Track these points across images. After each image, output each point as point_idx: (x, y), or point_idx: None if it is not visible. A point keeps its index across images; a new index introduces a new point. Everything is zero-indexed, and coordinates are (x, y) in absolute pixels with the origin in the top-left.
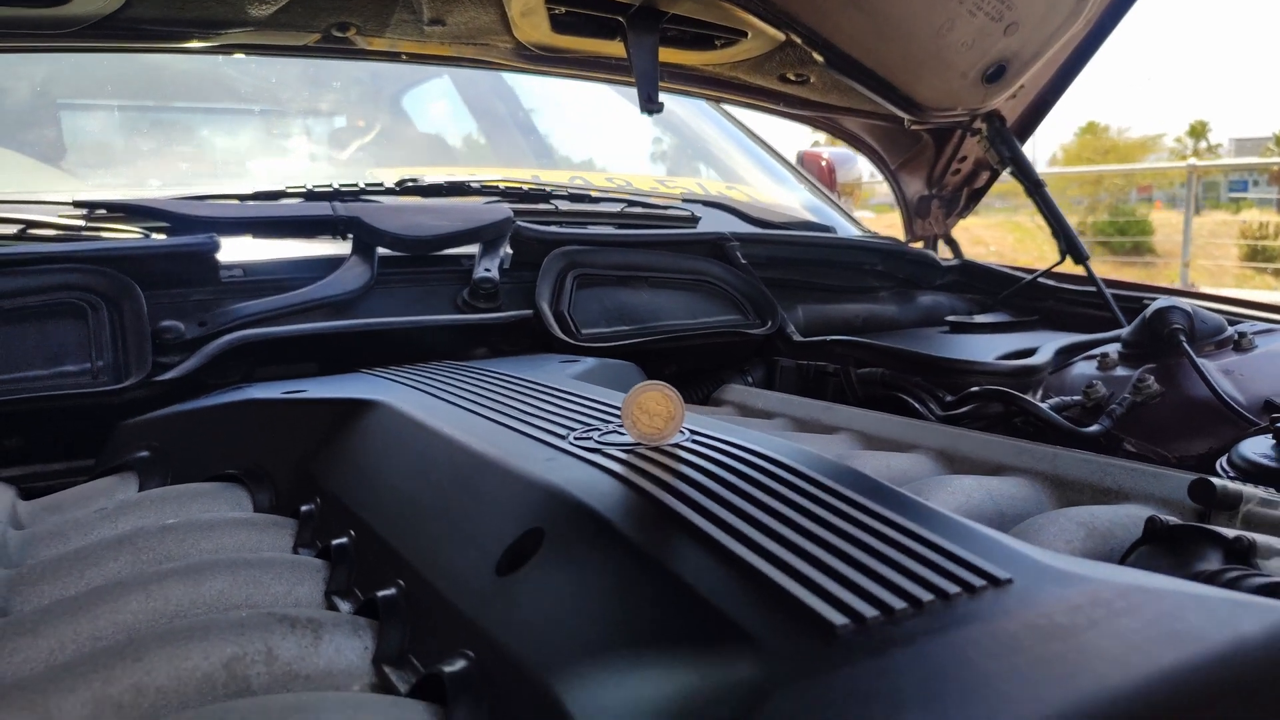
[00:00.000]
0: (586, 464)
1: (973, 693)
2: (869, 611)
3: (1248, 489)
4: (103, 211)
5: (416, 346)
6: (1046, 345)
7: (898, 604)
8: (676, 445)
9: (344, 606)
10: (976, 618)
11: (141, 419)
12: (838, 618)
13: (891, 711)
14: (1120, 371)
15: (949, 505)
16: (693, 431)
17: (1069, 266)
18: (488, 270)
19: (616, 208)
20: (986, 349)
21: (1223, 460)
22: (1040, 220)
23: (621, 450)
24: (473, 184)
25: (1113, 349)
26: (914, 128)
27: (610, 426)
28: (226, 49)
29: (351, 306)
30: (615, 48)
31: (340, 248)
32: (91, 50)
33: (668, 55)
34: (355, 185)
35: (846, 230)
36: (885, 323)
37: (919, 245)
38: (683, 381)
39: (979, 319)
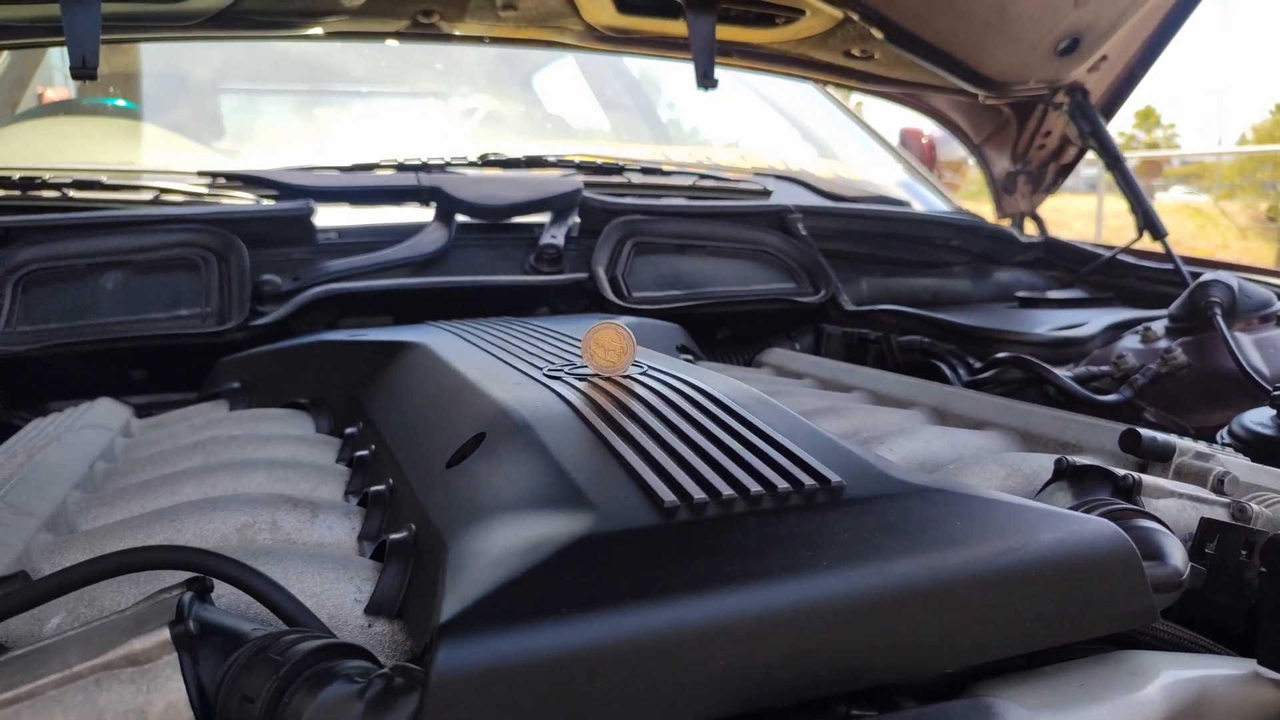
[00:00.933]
0: (539, 387)
1: (770, 559)
2: (698, 493)
3: (1183, 443)
4: (223, 180)
5: (482, 303)
6: (1097, 319)
7: (726, 490)
8: (626, 377)
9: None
10: (797, 507)
11: (236, 356)
12: (669, 495)
13: (691, 565)
14: (1161, 344)
15: (910, 450)
16: (649, 367)
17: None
18: (554, 237)
19: (689, 181)
20: (1046, 323)
21: (1223, 430)
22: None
23: (576, 379)
24: (549, 158)
25: (1160, 324)
26: (991, 103)
27: (583, 363)
28: (326, 36)
29: (430, 267)
30: (679, 27)
31: (425, 215)
32: (208, 39)
33: (732, 34)
34: (442, 159)
35: (932, 205)
36: (956, 297)
37: (1006, 222)
38: (733, 345)
39: (1051, 294)
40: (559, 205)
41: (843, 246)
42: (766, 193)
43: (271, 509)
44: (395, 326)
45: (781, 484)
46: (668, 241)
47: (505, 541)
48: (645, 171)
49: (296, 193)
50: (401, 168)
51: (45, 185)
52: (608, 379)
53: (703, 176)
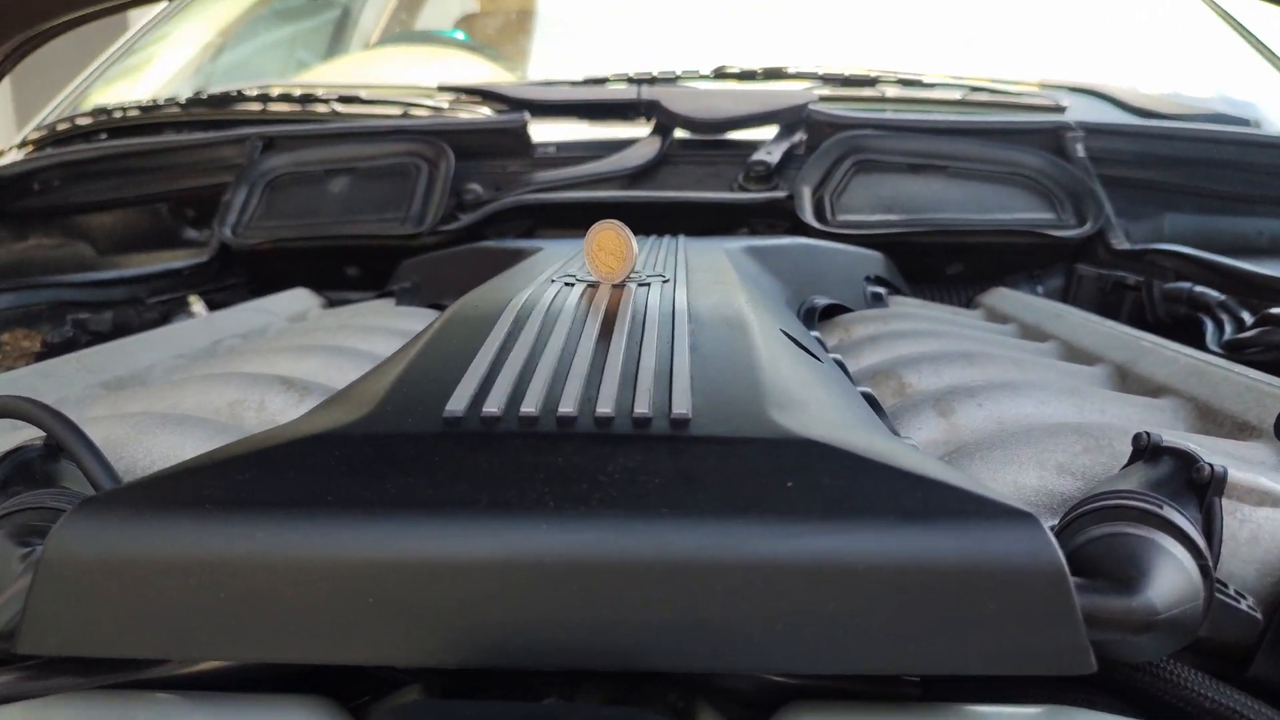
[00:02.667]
0: (528, 290)
1: (526, 489)
2: (497, 409)
3: None
4: (461, 95)
5: (678, 220)
6: None
7: (535, 409)
8: (618, 286)
9: None
10: (608, 437)
11: (415, 259)
12: (460, 406)
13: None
14: None
15: (1005, 410)
16: (651, 277)
17: None
18: (768, 154)
19: (957, 93)
20: None
21: None
22: None
23: (571, 283)
24: (790, 69)
25: None
26: None
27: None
28: None
29: (637, 181)
30: None
31: (646, 129)
32: None
33: None
34: (672, 72)
35: None
36: None
37: None
38: (968, 283)
39: None
40: (781, 119)
41: (1146, 174)
42: (1059, 108)
43: (265, 389)
44: (557, 240)
45: (615, 411)
46: (898, 160)
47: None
48: (903, 83)
49: (518, 105)
50: (631, 80)
51: (318, 100)
52: (595, 285)
53: (975, 89)
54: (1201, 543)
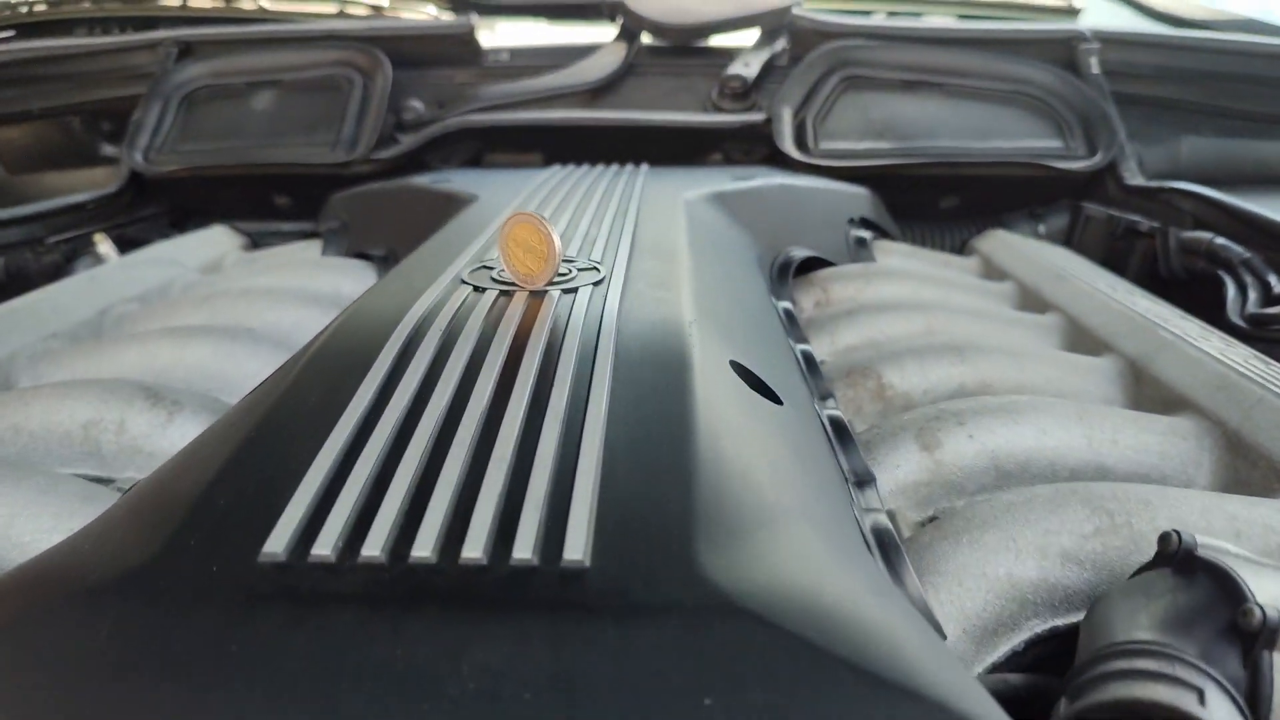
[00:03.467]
0: (424, 298)
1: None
2: (326, 551)
3: None
4: None
5: (643, 145)
6: None
7: (374, 553)
8: (537, 293)
9: None
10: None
11: (344, 194)
12: (281, 545)
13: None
14: None
15: (1000, 441)
16: (578, 285)
17: None
18: (745, 66)
19: None
20: None
21: None
22: None
23: (482, 288)
24: None
25: None
26: None
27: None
28: None
29: (600, 96)
30: None
31: (611, 33)
32: None
33: None
34: None
35: None
36: None
37: None
38: (962, 218)
39: None
40: (764, 24)
41: (1165, 92)
42: (1072, 11)
43: (126, 403)
44: (489, 171)
45: (486, 556)
46: (890, 76)
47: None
48: None
49: (464, 6)
50: None
51: None
52: (512, 290)
53: None
54: None
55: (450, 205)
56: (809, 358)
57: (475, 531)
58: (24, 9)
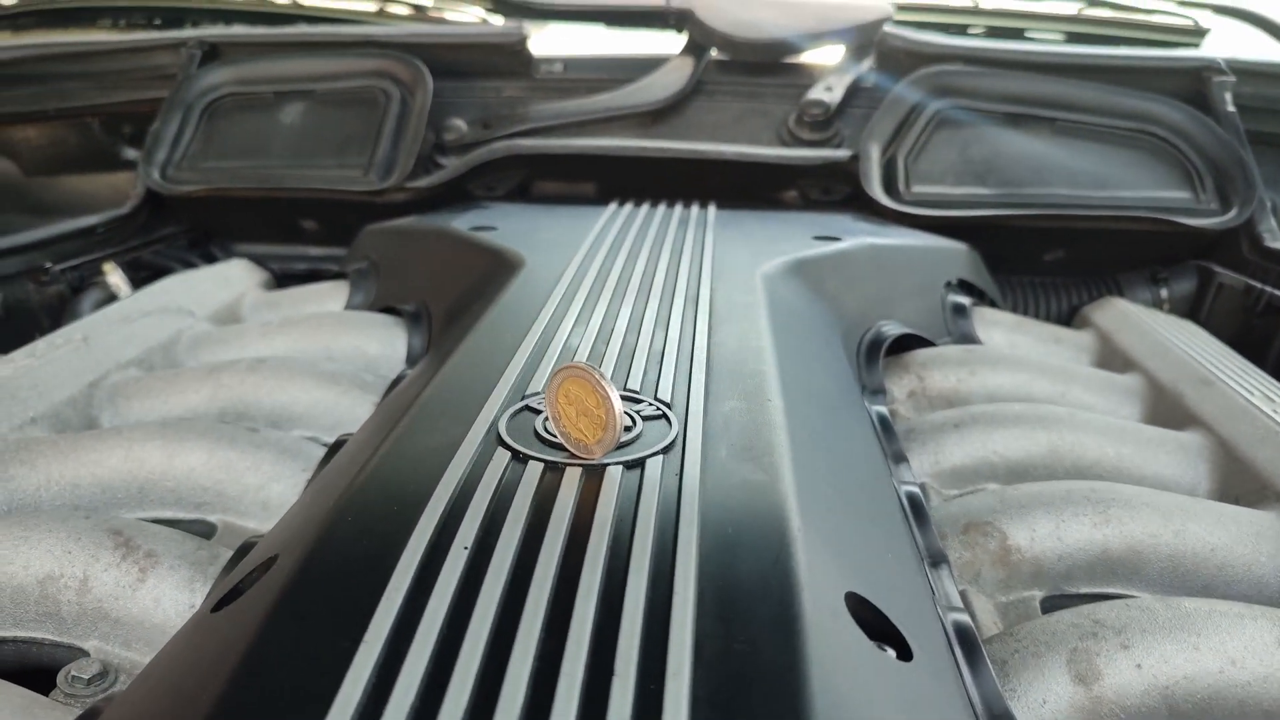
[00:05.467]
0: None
1: None
2: None
3: None
4: None
5: (707, 179)
6: None
7: None
8: (593, 472)
9: None
10: None
11: (374, 229)
12: None
13: None
14: None
15: (1223, 676)
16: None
17: None
18: (828, 90)
19: (1072, 8)
20: None
21: None
22: None
23: (523, 459)
24: None
25: None
26: None
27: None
28: None
29: (661, 118)
30: None
31: (677, 45)
32: None
33: None
34: None
35: None
36: None
37: None
38: (1069, 272)
39: None
40: (850, 42)
41: None
42: (1199, 31)
43: (92, 552)
44: (572, 208)
45: None
46: (994, 108)
47: None
48: None
49: (517, 10)
50: None
51: None
52: (562, 464)
53: (1095, 2)
54: None
55: (491, 265)
56: (917, 504)
57: None
58: None
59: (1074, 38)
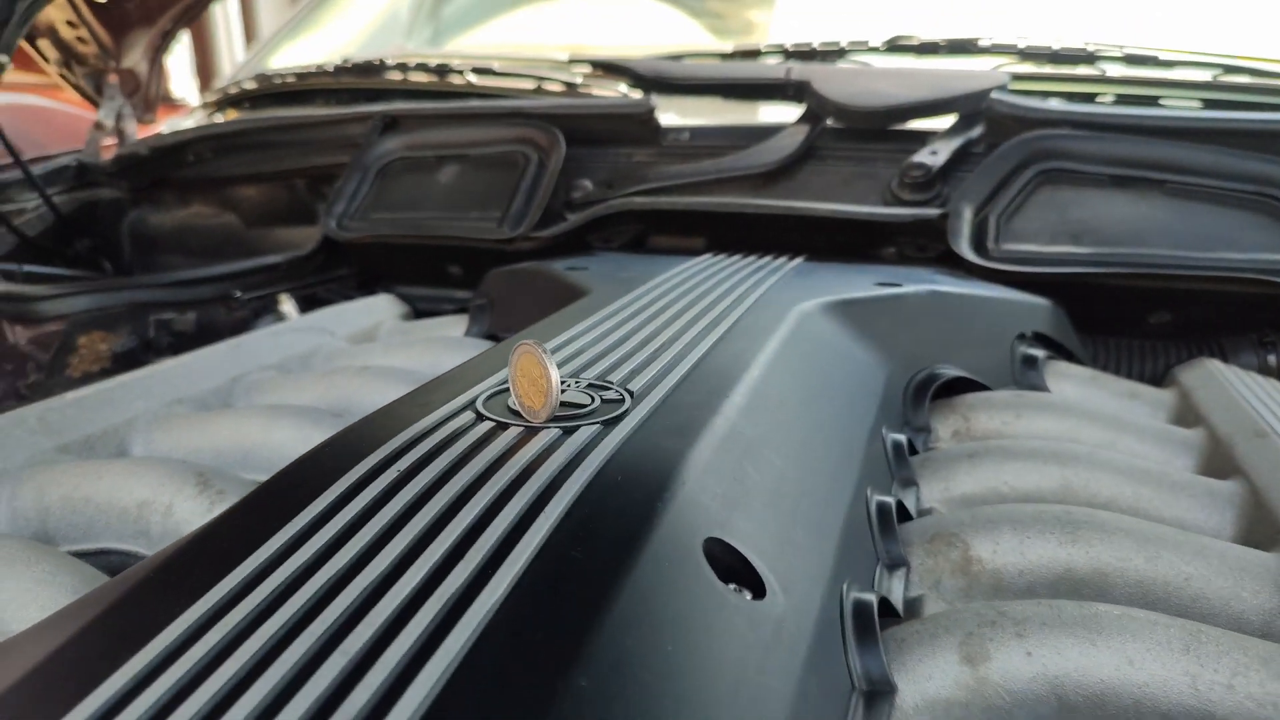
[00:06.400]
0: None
1: None
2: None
3: None
4: (587, 67)
5: (809, 235)
6: None
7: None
8: (530, 429)
9: None
10: None
11: (496, 271)
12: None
13: None
14: None
15: (1119, 676)
16: (573, 425)
17: None
18: (932, 155)
19: (1206, 74)
20: None
21: None
22: None
23: (484, 419)
24: (982, 41)
25: None
26: None
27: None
28: None
29: (773, 180)
30: None
31: (795, 114)
32: None
33: None
34: (836, 44)
35: None
36: None
37: None
38: (1178, 337)
39: None
40: (957, 109)
41: None
42: None
43: (178, 488)
44: (622, 256)
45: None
46: (1098, 171)
47: None
48: (1132, 60)
49: (649, 83)
50: (789, 54)
51: (453, 71)
52: (510, 424)
53: (1231, 68)
54: None
55: (565, 296)
56: (885, 512)
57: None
58: (278, 80)
59: (1211, 104)
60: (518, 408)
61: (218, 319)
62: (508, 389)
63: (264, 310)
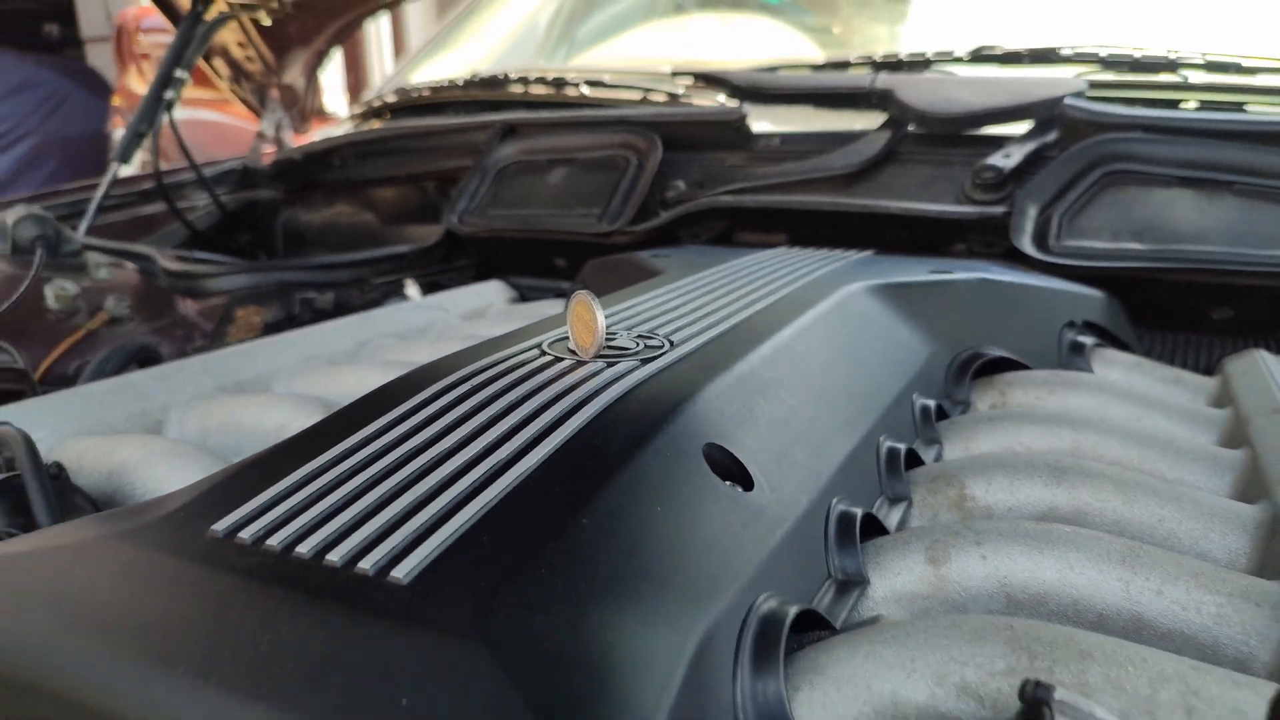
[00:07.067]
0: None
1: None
2: (252, 533)
3: None
4: (689, 79)
5: (882, 232)
6: None
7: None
8: (580, 363)
9: None
10: (319, 589)
11: (594, 261)
12: (224, 524)
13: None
14: None
15: (1060, 579)
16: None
17: None
18: (1005, 158)
19: None
20: None
21: None
22: None
23: (545, 355)
24: (1064, 50)
25: None
26: None
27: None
28: None
29: (855, 181)
30: None
31: (879, 121)
32: None
33: None
34: (922, 55)
35: None
36: None
37: None
38: (1243, 333)
39: None
40: (1033, 115)
41: None
42: None
43: (309, 413)
44: (701, 249)
45: (341, 560)
46: (1165, 173)
47: None
48: (1213, 67)
49: (745, 93)
50: (877, 65)
51: (568, 84)
52: (564, 359)
53: None
54: None
55: (645, 278)
56: (894, 456)
57: (356, 537)
58: (414, 94)
59: None
60: (574, 347)
61: (352, 299)
62: (558, 344)
63: (392, 293)
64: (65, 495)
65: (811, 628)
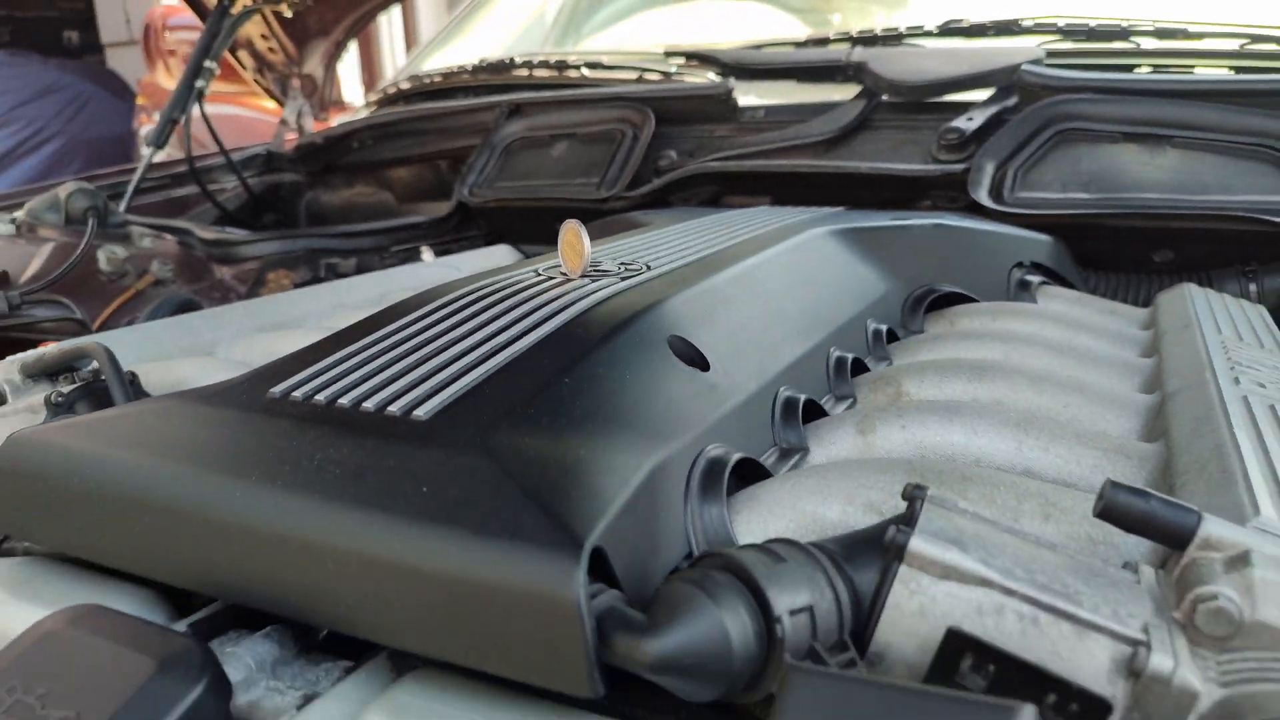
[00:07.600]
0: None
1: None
2: (304, 392)
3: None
4: (681, 58)
5: (857, 191)
6: None
7: (342, 398)
8: (566, 280)
9: None
10: (367, 429)
11: (594, 222)
12: (280, 388)
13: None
14: None
15: (965, 442)
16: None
17: None
18: (967, 121)
19: (1234, 44)
20: None
21: None
22: None
23: (540, 274)
24: (1025, 22)
25: None
26: None
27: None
28: None
29: (832, 147)
30: None
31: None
32: None
33: None
34: (895, 29)
35: None
36: None
37: None
38: (1180, 274)
39: None
40: (993, 82)
41: None
42: None
43: None
44: (732, 210)
45: (375, 405)
46: (1111, 129)
47: None
48: (1162, 34)
49: (731, 70)
50: (854, 40)
51: (570, 66)
52: (554, 278)
53: (1257, 38)
54: (774, 606)
55: (631, 228)
56: (841, 364)
57: (390, 390)
58: (427, 80)
59: (1242, 71)
60: (564, 269)
61: (373, 264)
62: (549, 269)
63: (409, 259)
64: (139, 398)
65: (754, 480)
